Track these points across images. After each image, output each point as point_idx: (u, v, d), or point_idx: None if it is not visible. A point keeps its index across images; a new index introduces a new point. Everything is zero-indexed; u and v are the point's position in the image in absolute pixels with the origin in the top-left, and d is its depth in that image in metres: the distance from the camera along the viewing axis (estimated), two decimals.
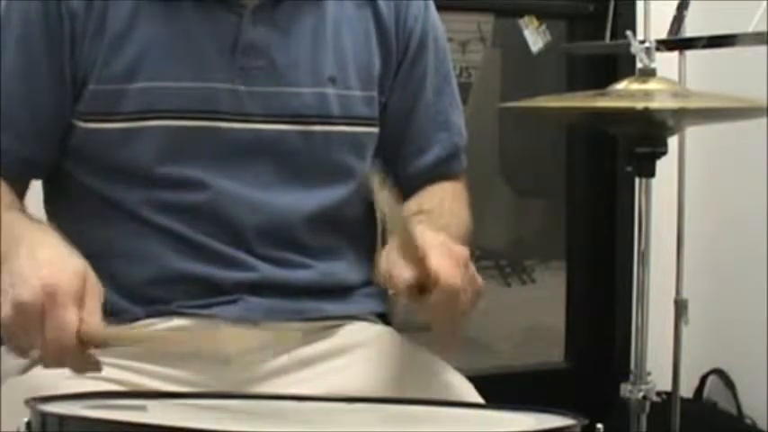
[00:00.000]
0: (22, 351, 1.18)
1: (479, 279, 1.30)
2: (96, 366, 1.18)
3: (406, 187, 1.55)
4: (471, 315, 1.29)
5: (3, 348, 1.44)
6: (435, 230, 1.40)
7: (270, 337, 1.14)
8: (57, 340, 1.13)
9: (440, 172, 1.57)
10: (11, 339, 1.17)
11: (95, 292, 1.17)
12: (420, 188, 1.55)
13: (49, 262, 1.18)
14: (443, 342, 1.34)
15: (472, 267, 1.29)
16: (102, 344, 1.17)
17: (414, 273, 1.23)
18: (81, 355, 1.15)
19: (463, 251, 1.29)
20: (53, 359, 1.16)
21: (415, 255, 1.23)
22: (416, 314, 1.29)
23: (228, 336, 1.12)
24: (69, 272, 1.17)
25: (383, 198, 1.19)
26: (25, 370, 1.38)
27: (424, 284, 1.24)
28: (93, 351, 1.17)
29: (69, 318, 1.13)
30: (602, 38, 2.60)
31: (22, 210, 1.41)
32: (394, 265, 1.26)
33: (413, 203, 1.52)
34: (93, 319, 1.15)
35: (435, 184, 1.57)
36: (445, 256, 1.26)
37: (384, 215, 1.21)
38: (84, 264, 1.19)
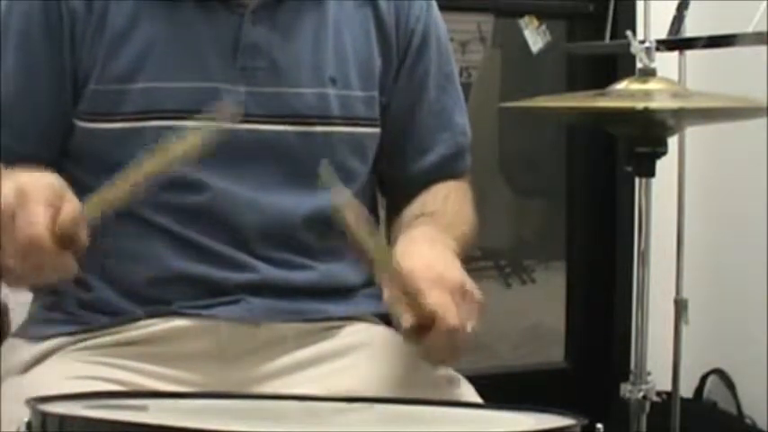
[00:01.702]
0: (4, 268, 1.18)
1: (477, 293, 1.31)
2: (71, 269, 1.17)
3: (409, 187, 1.55)
4: (475, 326, 1.30)
5: (3, 348, 1.45)
6: (438, 231, 1.40)
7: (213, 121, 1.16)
8: (25, 233, 1.14)
9: (443, 172, 1.57)
10: None
11: (73, 203, 1.19)
12: (423, 188, 1.55)
13: (26, 177, 1.20)
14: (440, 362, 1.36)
15: (469, 284, 1.30)
16: (76, 232, 1.16)
17: (412, 316, 1.25)
18: (53, 251, 1.15)
19: (456, 277, 1.30)
20: (28, 260, 1.15)
21: (407, 292, 1.26)
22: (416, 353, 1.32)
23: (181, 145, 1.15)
24: (43, 180, 1.19)
25: (361, 233, 1.21)
26: (25, 370, 1.38)
27: (423, 324, 1.26)
28: (68, 252, 1.16)
29: (39, 211, 1.15)
30: (602, 38, 2.60)
31: None
32: (394, 303, 1.28)
33: (416, 205, 1.52)
34: (68, 216, 1.16)
35: (439, 183, 1.57)
36: (439, 288, 1.27)
37: (367, 251, 1.24)
38: (64, 184, 1.21)
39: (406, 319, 1.26)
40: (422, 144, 1.56)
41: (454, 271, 1.32)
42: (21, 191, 1.16)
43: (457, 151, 1.59)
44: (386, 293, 1.31)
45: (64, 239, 1.16)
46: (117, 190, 1.19)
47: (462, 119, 1.60)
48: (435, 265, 1.31)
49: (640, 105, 1.67)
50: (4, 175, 1.23)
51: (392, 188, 1.58)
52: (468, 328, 1.28)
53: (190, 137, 1.17)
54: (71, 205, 1.19)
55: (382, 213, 1.62)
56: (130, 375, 1.36)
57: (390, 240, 1.55)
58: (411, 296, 1.26)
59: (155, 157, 1.19)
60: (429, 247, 1.36)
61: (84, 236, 1.17)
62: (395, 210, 1.57)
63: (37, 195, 1.16)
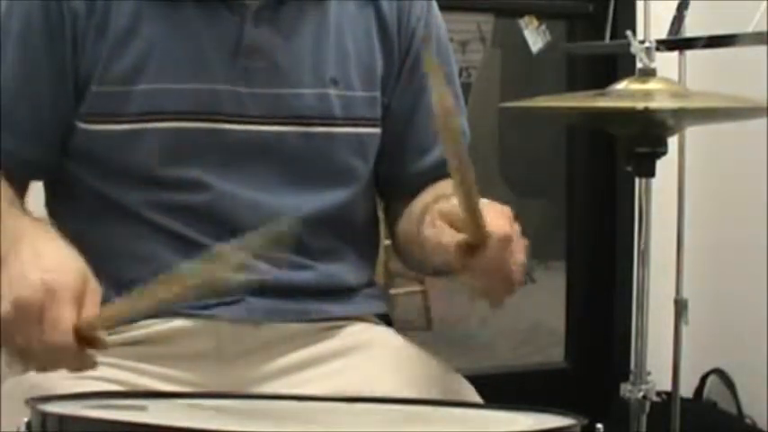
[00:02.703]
0: (18, 352, 1.17)
1: (524, 240, 1.28)
2: (92, 365, 1.17)
3: (409, 187, 1.55)
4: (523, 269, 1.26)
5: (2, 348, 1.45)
6: None
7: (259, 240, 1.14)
8: (53, 338, 1.13)
9: (443, 172, 1.56)
10: (8, 339, 1.16)
11: (95, 294, 1.18)
12: (422, 188, 1.55)
13: (51, 261, 1.18)
14: (496, 295, 1.29)
15: (517, 228, 1.26)
16: (98, 336, 1.16)
17: (466, 232, 1.21)
18: (78, 353, 1.15)
19: (508, 210, 1.27)
20: (49, 357, 1.15)
21: (468, 206, 1.19)
22: (465, 281, 1.25)
23: (210, 269, 1.12)
24: (71, 272, 1.17)
25: (439, 92, 1.13)
26: (25, 370, 1.38)
27: (475, 244, 1.21)
28: (90, 351, 1.16)
29: (68, 314, 1.14)
30: (602, 38, 2.61)
31: (24, 209, 1.41)
32: (441, 233, 1.24)
33: (426, 196, 1.50)
34: (90, 316, 1.15)
35: (441, 182, 1.56)
36: (494, 210, 1.24)
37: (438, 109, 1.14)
38: (86, 266, 1.19)
39: (460, 236, 1.21)
40: (422, 144, 1.56)
41: (505, 207, 1.29)
42: (48, 288, 1.14)
43: None
44: (427, 229, 1.25)
45: (88, 340, 1.16)
46: (137, 303, 1.19)
47: (462, 120, 1.60)
48: (487, 203, 1.27)
49: (640, 105, 1.67)
50: (25, 246, 1.21)
51: (391, 189, 1.58)
52: (520, 259, 1.24)
53: (227, 257, 1.14)
54: (94, 300, 1.17)
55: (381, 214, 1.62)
56: (130, 375, 1.36)
57: (394, 237, 1.55)
58: (471, 210, 1.20)
59: (187, 277, 1.19)
60: None
61: (104, 338, 1.17)
62: (393, 211, 1.56)
63: (65, 295, 1.14)
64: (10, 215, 1.34)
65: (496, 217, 1.23)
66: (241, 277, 1.11)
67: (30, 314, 1.14)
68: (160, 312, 1.40)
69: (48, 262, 1.17)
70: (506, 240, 1.22)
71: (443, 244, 1.24)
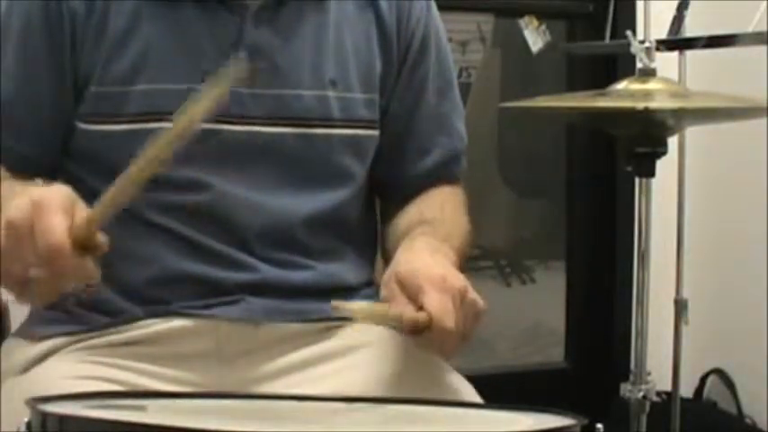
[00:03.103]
0: (19, 284, 1.16)
1: (480, 302, 1.31)
2: (94, 272, 1.16)
3: (406, 189, 1.55)
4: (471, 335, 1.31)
5: (3, 348, 1.45)
6: (437, 241, 1.40)
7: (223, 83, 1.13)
8: (47, 243, 1.12)
9: (440, 175, 1.57)
10: (7, 272, 1.16)
11: (84, 210, 1.17)
12: (420, 191, 1.55)
13: (38, 189, 1.19)
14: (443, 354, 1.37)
15: (471, 294, 1.30)
16: (96, 236, 1.15)
17: (411, 313, 1.26)
18: (75, 258, 1.14)
19: (460, 282, 1.30)
20: (48, 271, 1.13)
21: (409, 289, 1.27)
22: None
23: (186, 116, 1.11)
24: (56, 189, 1.18)
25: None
26: (25, 370, 1.38)
27: (420, 323, 1.26)
28: (88, 258, 1.15)
29: (57, 221, 1.13)
30: (602, 38, 2.61)
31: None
32: (394, 297, 1.29)
33: (414, 212, 1.52)
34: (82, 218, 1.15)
35: (435, 188, 1.56)
36: (440, 290, 1.27)
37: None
38: (72, 191, 1.19)
39: (407, 317, 1.26)
40: (420, 147, 1.56)
41: (457, 276, 1.32)
42: (35, 202, 1.14)
43: (454, 156, 1.59)
44: (383, 290, 1.31)
45: (84, 244, 1.15)
46: (124, 185, 1.18)
47: (460, 123, 1.60)
48: (438, 269, 1.31)
49: (640, 105, 1.66)
50: (16, 190, 1.23)
51: (388, 190, 1.58)
52: (465, 335, 1.28)
53: (191, 107, 1.13)
54: (85, 211, 1.17)
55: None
56: (130, 375, 1.36)
57: (385, 247, 1.55)
58: (412, 293, 1.27)
59: (158, 140, 1.17)
60: (430, 255, 1.36)
61: (101, 239, 1.16)
62: (389, 212, 1.57)
63: (52, 204, 1.14)
64: (4, 180, 1.36)
65: (444, 306, 1.26)
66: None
67: (20, 232, 1.13)
68: (160, 312, 1.41)
69: (35, 189, 1.19)
70: (446, 333, 1.26)
71: (391, 315, 1.29)
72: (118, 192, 1.15)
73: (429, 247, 1.39)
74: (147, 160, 1.13)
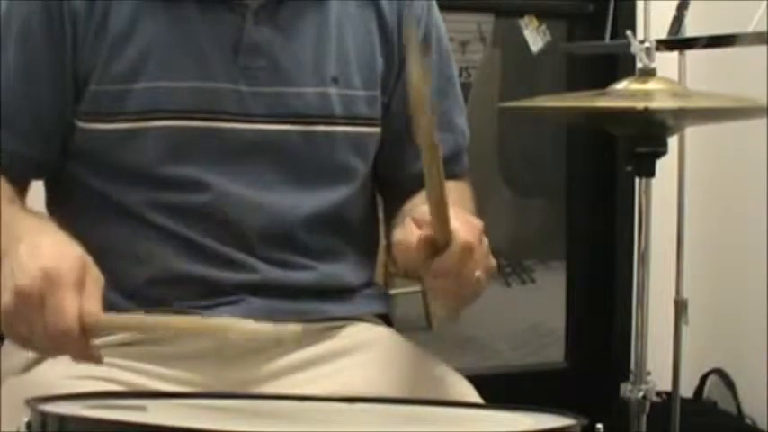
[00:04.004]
0: (22, 340, 1.17)
1: (492, 259, 1.29)
2: (97, 357, 1.17)
3: (408, 187, 1.55)
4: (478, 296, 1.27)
5: (3, 348, 1.45)
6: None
7: (270, 330, 1.13)
8: (56, 324, 1.13)
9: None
10: (11, 329, 1.17)
11: (96, 279, 1.18)
12: (422, 188, 1.55)
13: (50, 250, 1.18)
14: (443, 308, 1.32)
15: (486, 243, 1.27)
16: (103, 329, 1.17)
17: (431, 229, 1.21)
18: (81, 341, 1.15)
19: (480, 223, 1.28)
20: (53, 345, 1.15)
21: (437, 210, 1.20)
22: (426, 285, 1.26)
23: (230, 324, 1.11)
24: (69, 258, 1.17)
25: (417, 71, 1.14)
26: (25, 370, 1.38)
27: (437, 242, 1.21)
28: (93, 341, 1.16)
29: (69, 302, 1.13)
30: (602, 38, 2.60)
31: (23, 206, 1.41)
32: (408, 233, 1.25)
33: (418, 197, 1.52)
34: (94, 305, 1.15)
35: None
36: (466, 225, 1.24)
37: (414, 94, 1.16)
38: (85, 254, 1.19)
39: (424, 232, 1.21)
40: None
41: (477, 220, 1.29)
42: (47, 273, 1.14)
43: (456, 152, 1.59)
44: (408, 227, 1.26)
45: (91, 330, 1.16)
46: (139, 324, 1.20)
47: (462, 120, 1.61)
48: (460, 212, 1.28)
49: (640, 105, 1.67)
50: (23, 240, 1.21)
51: (390, 188, 1.58)
52: (482, 265, 1.24)
53: (238, 323, 1.14)
54: (95, 287, 1.17)
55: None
56: (130, 375, 1.36)
57: (389, 238, 1.55)
58: (439, 214, 1.20)
59: (195, 319, 1.19)
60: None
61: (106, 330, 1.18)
62: (392, 211, 1.56)
63: (64, 281, 1.14)
64: (9, 212, 1.34)
65: (465, 226, 1.24)
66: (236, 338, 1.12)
67: (31, 303, 1.13)
68: (160, 312, 1.40)
69: (46, 251, 1.17)
70: (468, 248, 1.22)
71: (409, 242, 1.24)
72: (136, 324, 1.19)
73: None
74: (177, 324, 1.18)
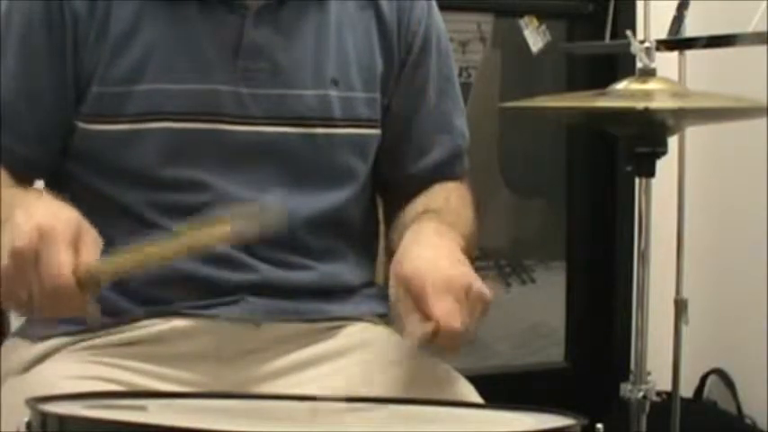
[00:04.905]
0: (22, 306, 1.19)
1: (486, 293, 1.31)
2: (93, 311, 1.18)
3: (408, 188, 1.55)
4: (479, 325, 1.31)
5: (3, 348, 1.45)
6: (444, 226, 1.40)
7: (254, 210, 1.15)
8: (51, 278, 1.15)
9: (442, 173, 1.57)
10: (11, 294, 1.18)
11: (91, 238, 1.19)
12: (421, 189, 1.55)
13: (44, 211, 1.20)
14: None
15: (476, 286, 1.30)
16: (99, 280, 1.18)
17: (421, 331, 1.26)
18: (77, 295, 1.16)
19: (464, 277, 1.30)
20: (50, 302, 1.16)
21: (415, 295, 1.28)
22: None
23: (215, 231, 1.15)
24: (63, 218, 1.19)
25: None
26: (25, 370, 1.38)
27: (432, 332, 1.26)
28: (89, 297, 1.18)
29: (63, 257, 1.15)
30: (602, 38, 2.60)
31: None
32: (400, 301, 1.30)
33: (419, 203, 1.52)
34: (89, 260, 1.17)
35: (438, 184, 1.56)
36: (446, 292, 1.27)
37: None
38: (79, 216, 1.21)
39: (412, 327, 1.27)
40: (421, 145, 1.56)
41: (461, 269, 1.32)
42: (42, 230, 1.16)
43: (456, 153, 1.59)
44: (392, 294, 1.32)
45: (86, 283, 1.17)
46: (135, 256, 1.20)
47: (461, 121, 1.61)
48: (442, 264, 1.31)
49: (640, 105, 1.67)
50: (19, 208, 1.23)
51: (390, 189, 1.58)
52: (471, 329, 1.28)
53: (220, 224, 1.16)
54: (92, 247, 1.19)
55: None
56: (130, 375, 1.36)
57: (390, 243, 1.55)
58: (417, 298, 1.27)
59: (182, 237, 1.20)
60: (438, 240, 1.36)
61: (103, 282, 1.18)
62: (392, 211, 1.57)
63: (59, 238, 1.16)
64: (8, 193, 1.36)
65: (448, 308, 1.27)
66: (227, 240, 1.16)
67: (26, 261, 1.15)
68: (160, 312, 1.41)
69: (41, 212, 1.20)
70: (456, 335, 1.26)
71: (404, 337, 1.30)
72: (129, 259, 1.18)
73: (436, 231, 1.39)
74: (168, 247, 1.18)
